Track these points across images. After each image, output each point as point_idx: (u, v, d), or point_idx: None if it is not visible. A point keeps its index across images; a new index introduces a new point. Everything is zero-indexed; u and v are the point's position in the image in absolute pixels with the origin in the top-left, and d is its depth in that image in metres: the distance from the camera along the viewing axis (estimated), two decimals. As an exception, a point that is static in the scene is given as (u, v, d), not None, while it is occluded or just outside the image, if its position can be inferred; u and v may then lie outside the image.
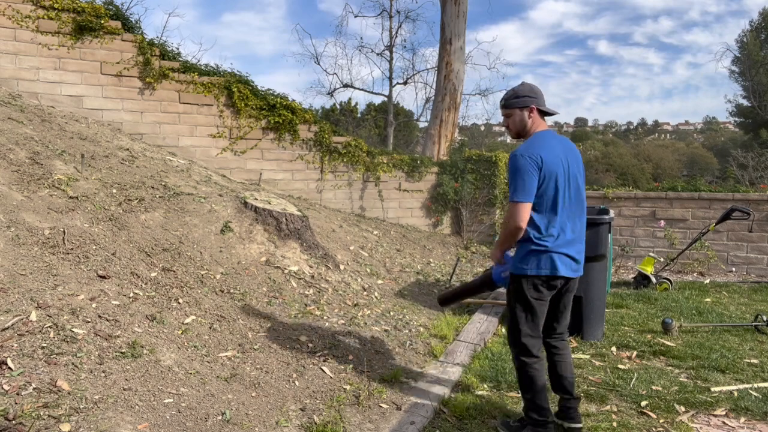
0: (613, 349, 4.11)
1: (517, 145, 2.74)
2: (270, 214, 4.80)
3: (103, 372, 2.51)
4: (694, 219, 7.77)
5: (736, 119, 31.11)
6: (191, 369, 2.82)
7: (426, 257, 7.08)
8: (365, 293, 4.81)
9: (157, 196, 4.61)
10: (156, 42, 6.76)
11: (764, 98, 24.92)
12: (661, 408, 3.05)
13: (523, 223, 2.51)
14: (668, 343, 4.19)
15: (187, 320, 3.30)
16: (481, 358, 3.80)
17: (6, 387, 2.21)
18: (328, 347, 3.58)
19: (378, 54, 19.21)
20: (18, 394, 2.19)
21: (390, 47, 18.94)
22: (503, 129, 2.98)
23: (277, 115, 7.27)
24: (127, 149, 5.58)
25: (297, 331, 3.68)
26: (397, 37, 18.76)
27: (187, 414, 2.47)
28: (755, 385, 3.37)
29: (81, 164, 4.49)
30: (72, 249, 3.40)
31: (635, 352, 4.02)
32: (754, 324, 4.57)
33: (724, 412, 3.01)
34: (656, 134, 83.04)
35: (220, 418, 2.53)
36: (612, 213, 4.63)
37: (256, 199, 5.08)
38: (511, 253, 2.78)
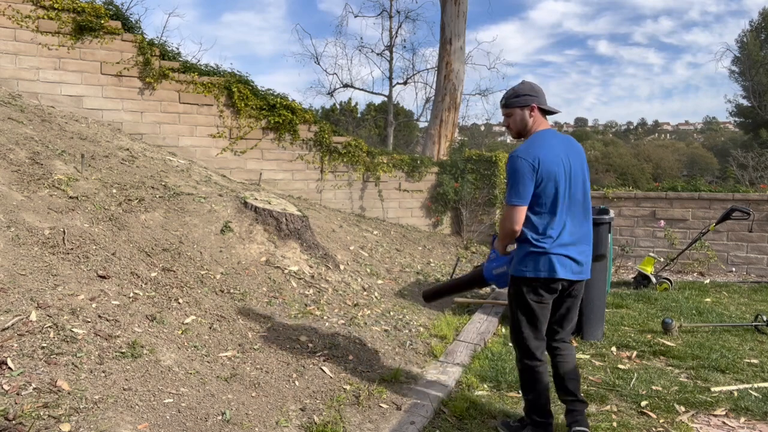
0: (613, 349, 4.11)
1: (517, 145, 2.72)
2: (270, 214, 4.80)
3: (103, 372, 2.51)
4: (694, 219, 7.77)
5: (736, 119, 31.12)
6: (191, 369, 2.82)
7: (426, 257, 7.08)
8: (365, 293, 4.81)
9: (157, 196, 4.61)
10: (156, 42, 6.75)
11: (764, 98, 24.92)
12: (661, 408, 3.05)
13: (518, 226, 2.49)
14: (668, 343, 4.19)
15: (187, 320, 3.30)
16: (481, 358, 3.80)
17: (6, 387, 2.21)
18: (328, 347, 3.58)
19: (378, 54, 19.25)
20: (18, 394, 2.19)
21: (390, 47, 18.96)
22: (504, 129, 2.93)
23: (277, 115, 7.26)
24: (127, 149, 5.58)
25: (297, 331, 3.68)
26: (397, 37, 18.79)
27: (187, 414, 2.47)
28: (755, 385, 3.37)
29: (81, 164, 4.49)
30: (72, 249, 3.40)
31: (635, 352, 4.02)
32: (754, 324, 4.57)
33: (724, 412, 3.01)
34: (656, 134, 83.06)
35: (220, 418, 2.53)
36: (612, 213, 4.63)
37: (256, 199, 5.08)
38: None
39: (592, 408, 3.06)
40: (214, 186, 5.51)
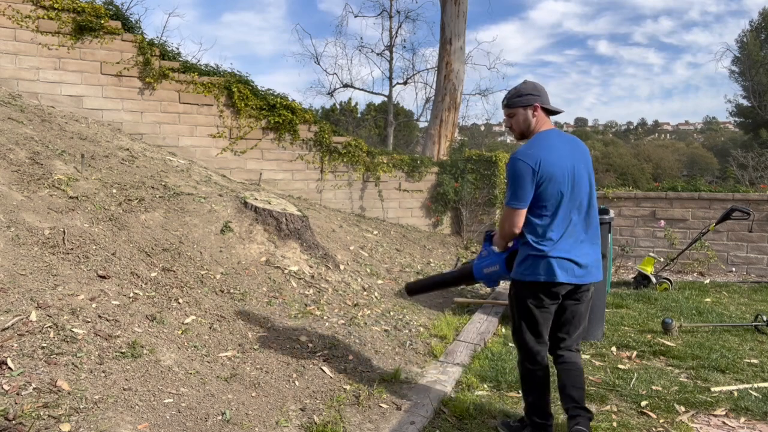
0: (613, 349, 4.11)
1: (519, 145, 2.68)
2: (270, 214, 4.80)
3: (103, 372, 2.51)
4: (694, 219, 7.77)
5: (736, 119, 31.12)
6: (191, 369, 2.82)
7: (426, 257, 7.08)
8: (365, 293, 4.81)
9: (157, 196, 4.61)
10: (156, 42, 6.76)
11: (764, 98, 24.93)
12: (661, 408, 3.05)
13: (517, 229, 2.45)
14: (668, 343, 4.19)
15: (187, 320, 3.30)
16: (481, 358, 3.80)
17: (6, 387, 2.21)
18: (328, 347, 3.58)
19: (378, 54, 19.25)
20: (18, 394, 2.19)
21: (390, 47, 18.96)
22: (506, 130, 2.87)
23: (277, 115, 7.27)
24: (127, 149, 5.58)
25: (297, 331, 3.68)
26: (397, 37, 18.79)
27: (187, 414, 2.47)
28: (755, 385, 3.37)
29: (81, 164, 4.49)
30: (72, 249, 3.40)
31: (635, 352, 4.02)
32: (754, 324, 4.57)
33: (724, 412, 3.01)
34: (656, 134, 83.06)
35: (220, 418, 2.53)
36: (612, 213, 4.63)
37: (256, 199, 5.08)
38: (496, 249, 2.68)
39: (592, 408, 3.06)
40: (214, 186, 5.51)
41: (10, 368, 2.30)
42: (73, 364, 2.47)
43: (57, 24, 6.03)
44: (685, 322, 4.68)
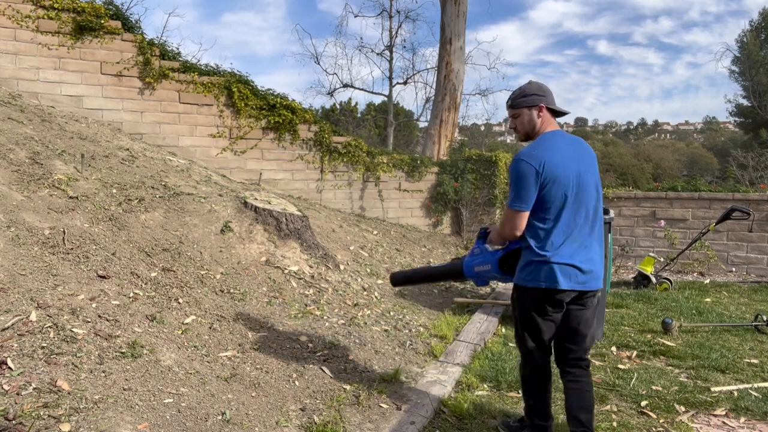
0: (613, 349, 4.11)
1: (520, 143, 2.64)
2: (270, 214, 4.80)
3: (103, 372, 2.51)
4: (694, 219, 7.77)
5: (736, 119, 31.12)
6: (191, 369, 2.82)
7: (426, 257, 7.08)
8: (365, 293, 4.81)
9: (157, 196, 4.61)
10: (156, 42, 6.76)
11: (764, 98, 24.93)
12: (661, 408, 3.05)
13: (518, 232, 2.39)
14: (668, 343, 4.19)
15: (187, 320, 3.30)
16: (481, 358, 3.80)
17: (6, 387, 2.20)
18: (328, 347, 3.58)
19: (378, 54, 19.27)
20: (18, 394, 2.19)
21: (390, 47, 18.98)
22: (510, 131, 2.82)
23: (277, 115, 7.27)
24: (127, 149, 5.58)
25: (297, 331, 3.68)
26: (397, 37, 18.81)
27: (187, 414, 2.47)
28: (755, 385, 3.37)
29: (81, 164, 4.48)
30: (72, 249, 3.40)
31: (635, 352, 4.02)
32: (754, 324, 4.57)
33: (724, 412, 3.01)
34: (656, 134, 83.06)
35: (220, 418, 2.53)
36: (612, 213, 4.62)
37: (256, 199, 5.08)
38: (490, 248, 2.64)
39: (592, 408, 3.06)
40: (214, 186, 5.51)
41: (10, 368, 2.30)
42: (73, 364, 2.47)
43: (57, 24, 6.03)
44: (685, 322, 4.68)
